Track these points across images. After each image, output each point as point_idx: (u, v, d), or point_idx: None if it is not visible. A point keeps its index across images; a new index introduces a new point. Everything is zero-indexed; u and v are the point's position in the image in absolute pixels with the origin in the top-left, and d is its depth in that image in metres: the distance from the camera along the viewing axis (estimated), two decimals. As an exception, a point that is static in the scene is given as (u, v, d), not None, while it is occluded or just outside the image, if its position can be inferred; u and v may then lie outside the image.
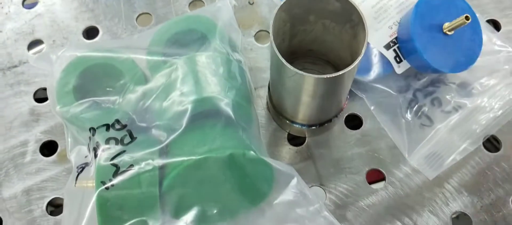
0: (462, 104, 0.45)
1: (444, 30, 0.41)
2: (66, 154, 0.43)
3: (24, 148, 0.44)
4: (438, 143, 0.43)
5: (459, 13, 0.40)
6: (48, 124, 0.45)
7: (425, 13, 0.40)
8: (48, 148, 0.44)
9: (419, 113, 0.45)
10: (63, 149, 0.44)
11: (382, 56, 0.43)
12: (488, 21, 0.50)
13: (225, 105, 0.36)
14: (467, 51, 0.42)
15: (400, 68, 0.43)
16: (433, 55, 0.40)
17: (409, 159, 0.43)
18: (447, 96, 0.45)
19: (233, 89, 0.38)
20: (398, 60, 0.43)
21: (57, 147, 0.44)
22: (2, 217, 0.41)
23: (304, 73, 0.33)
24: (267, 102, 0.45)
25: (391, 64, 0.43)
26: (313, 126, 0.43)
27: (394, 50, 0.43)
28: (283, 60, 0.33)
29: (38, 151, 0.44)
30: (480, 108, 0.44)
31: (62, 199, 0.42)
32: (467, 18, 0.39)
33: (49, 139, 0.44)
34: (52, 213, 0.41)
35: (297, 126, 0.43)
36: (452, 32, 0.41)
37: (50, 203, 0.42)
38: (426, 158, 0.43)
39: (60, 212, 0.41)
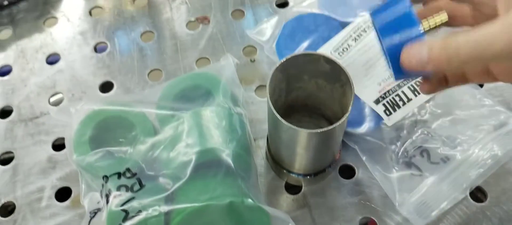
0: (450, 156, 0.48)
1: None
2: (79, 199, 0.46)
3: (41, 193, 0.47)
4: (427, 193, 0.46)
5: None
6: (63, 171, 0.48)
7: None
8: (63, 194, 0.48)
9: (409, 164, 0.47)
10: (77, 195, 0.47)
11: (373, 110, 0.46)
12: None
13: (226, 156, 0.40)
14: None
15: (390, 121, 0.46)
16: None
17: (399, 208, 0.45)
18: (436, 148, 0.48)
19: (234, 140, 0.41)
20: (387, 113, 0.46)
21: (71, 193, 0.47)
22: (17, 259, 0.44)
23: (297, 128, 0.36)
24: (266, 152, 0.49)
25: (381, 118, 0.46)
26: (309, 175, 0.46)
27: (384, 104, 0.46)
28: (278, 116, 0.36)
29: (53, 196, 0.47)
30: (467, 161, 0.47)
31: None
32: None
33: (64, 185, 0.48)
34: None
35: (293, 175, 0.46)
36: None
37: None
38: (415, 207, 0.45)
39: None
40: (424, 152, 0.48)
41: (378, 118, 0.47)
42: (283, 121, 0.36)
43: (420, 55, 0.29)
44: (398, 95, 0.46)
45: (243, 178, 0.40)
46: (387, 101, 0.46)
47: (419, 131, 0.49)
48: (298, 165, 0.44)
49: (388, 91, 0.47)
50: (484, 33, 0.27)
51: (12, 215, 0.46)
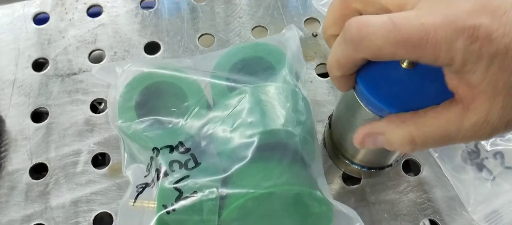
0: (526, 161, 0.43)
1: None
2: (118, 168, 0.42)
3: (76, 157, 0.43)
4: (500, 201, 0.42)
5: None
6: (102, 136, 0.44)
7: None
8: (100, 160, 0.44)
9: (481, 166, 0.43)
10: (115, 162, 0.43)
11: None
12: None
13: (293, 140, 0.35)
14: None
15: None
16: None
17: (472, 214, 0.41)
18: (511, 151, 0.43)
19: (300, 124, 0.37)
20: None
21: (110, 160, 0.43)
22: (48, 226, 0.40)
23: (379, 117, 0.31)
24: (324, 138, 0.44)
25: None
26: (372, 169, 0.41)
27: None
28: (359, 99, 0.32)
29: (90, 162, 0.43)
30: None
31: (109, 214, 0.41)
32: None
33: (102, 151, 0.44)
34: (98, 227, 0.41)
35: (355, 166, 0.42)
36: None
37: (97, 217, 0.41)
38: (487, 215, 0.41)
39: (107, 227, 0.40)
40: (498, 154, 0.44)
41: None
42: (367, 107, 0.31)
43: (375, 144, 0.28)
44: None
45: (309, 166, 0.36)
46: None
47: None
48: (362, 156, 0.40)
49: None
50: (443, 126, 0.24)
51: (44, 178, 0.42)
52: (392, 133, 0.26)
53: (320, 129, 0.45)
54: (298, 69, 0.43)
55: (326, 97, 0.46)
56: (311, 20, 0.51)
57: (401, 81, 0.28)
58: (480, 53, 0.21)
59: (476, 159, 0.43)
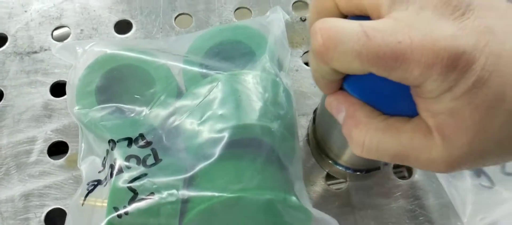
0: (528, 168, 0.39)
1: None
2: (76, 159, 0.38)
3: (31, 145, 0.39)
4: (499, 211, 0.38)
5: None
6: (61, 122, 0.40)
7: None
8: (57, 150, 0.40)
9: (479, 172, 0.39)
10: (74, 153, 0.39)
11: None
12: None
13: (269, 137, 0.31)
14: None
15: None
16: None
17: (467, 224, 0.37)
18: None
19: (278, 118, 0.32)
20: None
21: (68, 149, 0.39)
22: (-6, 221, 0.36)
23: None
24: (308, 134, 0.40)
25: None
26: (358, 172, 0.37)
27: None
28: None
29: (45, 151, 0.39)
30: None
31: (63, 211, 0.37)
32: None
33: (60, 139, 0.39)
34: (50, 225, 0.36)
35: (339, 167, 0.37)
36: None
37: (49, 214, 0.37)
38: (483, 227, 0.37)
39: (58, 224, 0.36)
40: (498, 159, 0.40)
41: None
42: None
43: (337, 113, 0.25)
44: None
45: (286, 167, 0.31)
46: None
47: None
48: (348, 157, 0.36)
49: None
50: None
51: (-6, 167, 0.38)
52: (349, 117, 0.23)
53: (304, 123, 0.41)
54: (281, 56, 0.38)
55: (312, 88, 0.42)
56: (300, 3, 0.46)
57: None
58: (454, 83, 0.18)
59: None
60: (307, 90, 0.42)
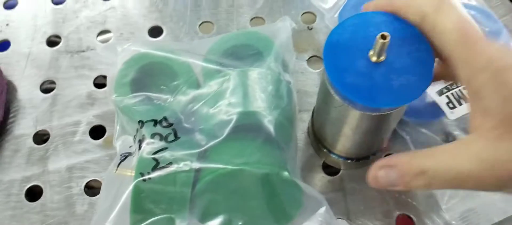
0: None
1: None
2: (111, 140, 0.45)
3: (76, 127, 0.47)
4: (477, 200, 0.42)
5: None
6: (101, 109, 0.48)
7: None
8: (97, 132, 0.47)
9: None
10: (110, 135, 0.46)
11: (435, 102, 0.42)
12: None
13: (268, 122, 0.37)
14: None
15: (453, 115, 0.42)
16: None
17: (446, 211, 0.42)
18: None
19: (278, 108, 0.39)
20: (451, 106, 0.42)
21: (105, 132, 0.47)
22: (43, 188, 0.44)
23: (350, 106, 0.33)
24: (308, 127, 0.46)
25: (443, 111, 0.42)
26: (350, 160, 0.43)
27: (447, 96, 0.42)
28: (331, 89, 0.33)
29: (87, 132, 0.46)
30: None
31: (99, 182, 0.44)
32: (383, 37, 0.28)
33: (100, 123, 0.47)
34: (88, 193, 0.44)
35: (333, 156, 0.43)
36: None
37: (88, 184, 0.44)
38: (462, 214, 0.42)
39: (96, 193, 0.43)
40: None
41: (438, 111, 0.43)
42: (335, 95, 0.33)
43: (388, 179, 0.27)
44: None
45: (282, 148, 0.37)
46: (452, 93, 0.42)
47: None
48: (340, 146, 0.41)
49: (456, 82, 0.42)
50: (458, 170, 0.24)
51: (45, 144, 0.46)
52: (404, 165, 0.27)
53: (306, 118, 0.47)
54: (287, 58, 0.45)
55: (315, 88, 0.48)
56: (308, 14, 0.52)
57: (368, 73, 0.30)
58: None
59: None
60: (310, 90, 0.48)
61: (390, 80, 0.29)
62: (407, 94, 0.29)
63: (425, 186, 0.26)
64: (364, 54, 0.30)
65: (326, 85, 0.34)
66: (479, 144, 0.24)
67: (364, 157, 0.42)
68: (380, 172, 0.28)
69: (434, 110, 0.42)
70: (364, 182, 0.43)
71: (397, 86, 0.29)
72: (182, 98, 0.40)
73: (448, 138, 0.44)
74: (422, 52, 0.29)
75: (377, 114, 0.32)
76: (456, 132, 0.44)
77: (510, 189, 0.24)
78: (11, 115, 0.48)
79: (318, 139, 0.43)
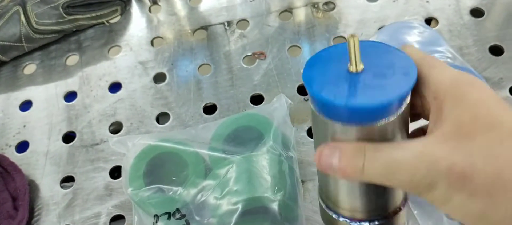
0: None
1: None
2: (131, 228, 0.48)
3: (97, 219, 0.50)
4: None
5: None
6: (119, 199, 0.51)
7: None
8: (117, 221, 0.50)
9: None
10: (130, 223, 0.49)
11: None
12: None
13: (273, 205, 0.40)
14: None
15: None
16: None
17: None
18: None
19: (282, 189, 0.41)
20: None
21: (124, 221, 0.49)
22: None
23: (340, 123, 0.31)
24: (318, 194, 0.48)
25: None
26: (363, 222, 0.43)
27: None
28: (313, 107, 0.33)
29: (108, 223, 0.49)
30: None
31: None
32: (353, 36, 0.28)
33: (118, 213, 0.50)
34: None
35: (342, 220, 0.44)
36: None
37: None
38: None
39: None
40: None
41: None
42: (320, 114, 0.31)
43: (330, 158, 0.27)
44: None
45: (290, 229, 0.40)
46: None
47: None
48: (347, 203, 0.40)
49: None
50: (395, 157, 0.25)
51: (70, 239, 0.49)
52: (347, 149, 0.27)
53: (311, 187, 0.49)
54: (287, 133, 0.48)
55: (317, 157, 0.50)
56: (303, 87, 0.55)
57: (347, 82, 0.29)
58: None
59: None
60: (312, 159, 0.50)
61: (371, 83, 0.29)
62: (389, 92, 0.28)
63: (361, 171, 0.25)
64: (343, 67, 0.30)
65: (314, 114, 0.32)
66: (424, 141, 0.25)
67: (379, 216, 0.42)
68: (326, 149, 0.27)
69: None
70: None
71: (377, 86, 0.29)
72: (192, 189, 0.43)
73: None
74: (401, 59, 0.29)
75: (370, 125, 0.29)
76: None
77: (439, 191, 0.24)
78: (35, 214, 0.51)
79: (326, 204, 0.45)
